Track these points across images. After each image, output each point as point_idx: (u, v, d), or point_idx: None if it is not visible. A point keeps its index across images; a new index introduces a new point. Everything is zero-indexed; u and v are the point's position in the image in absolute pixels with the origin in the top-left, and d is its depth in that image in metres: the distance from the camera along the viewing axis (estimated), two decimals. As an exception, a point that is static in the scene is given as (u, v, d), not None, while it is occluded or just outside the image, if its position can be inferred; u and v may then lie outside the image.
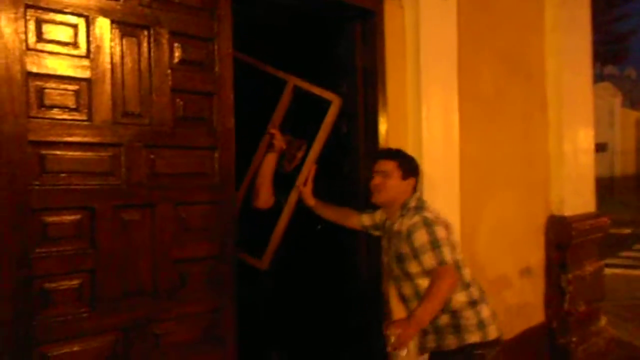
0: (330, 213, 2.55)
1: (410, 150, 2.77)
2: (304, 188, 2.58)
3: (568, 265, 3.69)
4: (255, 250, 2.63)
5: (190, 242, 1.97)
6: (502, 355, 3.33)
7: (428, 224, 1.98)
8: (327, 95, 2.64)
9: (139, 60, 1.83)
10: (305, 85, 2.70)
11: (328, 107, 2.62)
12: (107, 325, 1.78)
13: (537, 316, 3.64)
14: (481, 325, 2.03)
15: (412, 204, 2.13)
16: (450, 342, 2.01)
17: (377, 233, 2.41)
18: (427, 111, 2.77)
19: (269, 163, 2.61)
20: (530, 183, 3.61)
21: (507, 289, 3.40)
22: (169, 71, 1.90)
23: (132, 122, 1.82)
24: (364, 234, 2.54)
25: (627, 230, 11.03)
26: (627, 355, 3.94)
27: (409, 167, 2.19)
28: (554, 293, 3.70)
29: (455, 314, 2.02)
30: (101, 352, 1.76)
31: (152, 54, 1.86)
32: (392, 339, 1.71)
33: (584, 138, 3.95)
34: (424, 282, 2.00)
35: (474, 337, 2.01)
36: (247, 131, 2.76)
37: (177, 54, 1.93)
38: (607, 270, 4.14)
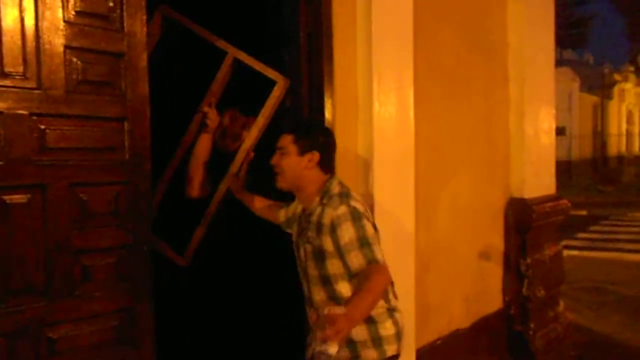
0: (258, 206, 2.19)
1: (360, 129, 2.53)
2: (236, 177, 2.27)
3: (527, 249, 3.54)
4: (180, 244, 2.32)
5: (94, 230, 1.66)
6: (459, 343, 3.20)
7: (356, 217, 1.64)
8: (271, 74, 2.31)
9: (21, 9, 1.49)
10: (247, 59, 2.36)
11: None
12: (-16, 331, 1.47)
13: (495, 302, 3.48)
14: (399, 336, 1.76)
15: (336, 189, 1.75)
16: (370, 356, 1.71)
17: (290, 230, 2.01)
18: (379, 85, 2.51)
19: (202, 145, 2.30)
20: (489, 164, 3.42)
21: (466, 275, 3.22)
22: (62, 24, 1.57)
23: (13, 85, 1.49)
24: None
25: (583, 212, 11.23)
26: (586, 340, 3.86)
27: (309, 139, 1.78)
28: (513, 278, 3.54)
29: (375, 324, 1.72)
30: (-24, 364, 1.46)
31: (38, 2, 1.52)
32: (319, 334, 1.32)
33: (545, 118, 3.78)
34: (342, 288, 1.70)
35: (392, 350, 1.74)
36: (186, 108, 2.45)
37: (73, 2, 1.59)
38: (564, 252, 4.03)
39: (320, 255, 1.71)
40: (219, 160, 2.35)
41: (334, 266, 1.69)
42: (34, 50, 1.52)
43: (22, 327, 1.53)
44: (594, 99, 23.30)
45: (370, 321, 1.71)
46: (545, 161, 3.79)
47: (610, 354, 3.58)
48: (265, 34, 2.62)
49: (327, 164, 1.81)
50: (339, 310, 1.34)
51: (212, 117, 2.31)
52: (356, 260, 1.59)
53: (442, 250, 2.98)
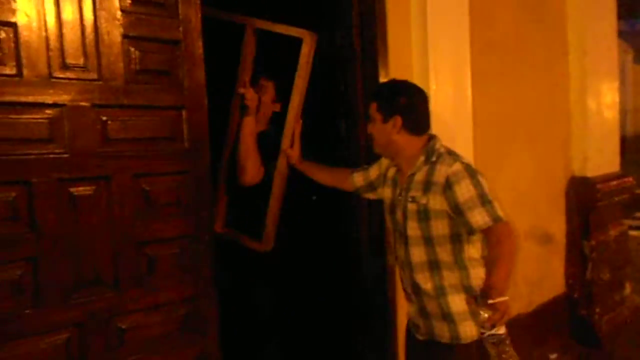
0: (324, 175, 2.16)
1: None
2: (291, 150, 2.21)
3: (591, 230, 3.37)
4: (249, 231, 2.29)
5: (157, 220, 1.66)
6: (522, 329, 3.09)
7: (472, 174, 1.58)
8: (295, 32, 2.18)
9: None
10: (267, 25, 2.24)
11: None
12: (57, 322, 1.49)
13: (558, 286, 3.34)
14: None
15: (442, 149, 1.69)
16: (471, 333, 1.66)
17: (371, 195, 2.00)
18: (435, 62, 2.41)
19: (247, 129, 2.21)
20: (550, 142, 3.26)
21: (528, 258, 3.09)
22: (119, 13, 1.55)
23: (75, 77, 1.49)
24: (367, 201, 2.21)
25: (641, 191, 10.69)
26: (654, 325, 3.66)
27: (390, 105, 1.71)
28: (576, 261, 3.39)
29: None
30: (51, 353, 1.48)
31: (95, -8, 1.51)
32: (486, 316, 1.33)
33: (608, 91, 3.56)
34: (443, 251, 1.64)
35: None
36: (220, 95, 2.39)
37: (128, -9, 1.57)
38: (626, 233, 3.82)
39: (425, 215, 1.64)
40: (268, 142, 2.27)
41: (438, 227, 1.63)
42: (93, 42, 1.51)
43: (92, 318, 1.54)
44: (648, 70, 22.07)
45: (466, 288, 1.66)
46: (609, 137, 3.59)
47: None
48: (317, 17, 2.55)
49: (415, 125, 1.72)
50: (501, 297, 1.35)
51: (250, 97, 2.20)
52: (480, 217, 1.53)
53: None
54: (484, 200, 1.55)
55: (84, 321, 1.53)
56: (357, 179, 2.01)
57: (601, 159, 3.49)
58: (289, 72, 2.24)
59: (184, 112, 1.69)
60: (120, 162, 1.57)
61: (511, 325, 2.85)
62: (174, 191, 1.68)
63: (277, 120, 2.32)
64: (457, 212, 1.58)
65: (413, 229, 1.68)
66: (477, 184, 1.57)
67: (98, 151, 1.53)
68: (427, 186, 1.64)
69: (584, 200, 3.34)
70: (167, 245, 1.68)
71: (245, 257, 2.30)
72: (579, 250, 3.38)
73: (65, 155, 1.48)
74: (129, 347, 1.62)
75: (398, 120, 1.69)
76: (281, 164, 2.23)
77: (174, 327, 1.71)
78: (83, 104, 1.50)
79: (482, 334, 1.35)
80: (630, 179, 3.69)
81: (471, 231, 1.58)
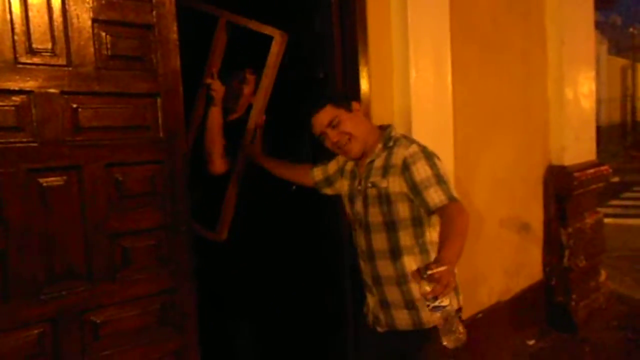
0: (283, 170, 2.14)
1: (397, 97, 2.42)
2: (251, 146, 2.20)
3: (568, 218, 3.41)
4: (212, 222, 2.26)
5: (132, 211, 1.61)
6: (500, 316, 3.12)
7: (428, 155, 1.62)
8: (267, 30, 2.19)
9: (46, -19, 1.42)
10: (240, 20, 2.25)
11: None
12: (29, 317, 1.43)
13: (535, 274, 3.38)
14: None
15: (399, 134, 1.74)
16: (432, 317, 1.66)
17: (329, 191, 1.99)
18: (415, 50, 2.38)
19: (213, 119, 2.22)
20: (528, 131, 3.28)
21: (506, 246, 3.12)
22: (88, -4, 1.49)
23: (43, 63, 1.42)
24: None
25: (615, 179, 10.91)
26: (628, 310, 3.73)
27: (341, 97, 1.78)
28: (553, 248, 3.43)
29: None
30: (23, 350, 1.43)
31: (63, -27, 1.44)
32: (428, 288, 1.29)
33: (585, 81, 3.59)
34: (405, 235, 1.64)
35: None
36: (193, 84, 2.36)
37: (98, -27, 1.51)
38: (601, 221, 3.88)
39: (386, 199, 1.65)
40: (234, 134, 2.27)
41: (399, 211, 1.64)
42: (62, 26, 1.45)
43: (65, 312, 1.49)
44: (622, 61, 22.49)
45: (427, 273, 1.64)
46: (586, 126, 3.62)
47: (655, 323, 3.46)
48: (297, 3, 2.51)
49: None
50: (441, 267, 1.30)
51: (216, 88, 2.20)
52: (436, 195, 1.55)
53: (482, 222, 2.88)
54: (440, 180, 1.57)
55: (56, 316, 1.48)
56: (317, 173, 2.00)
57: (578, 147, 3.53)
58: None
59: (158, 100, 1.64)
60: (92, 152, 1.51)
61: (489, 311, 2.92)
62: (149, 181, 1.63)
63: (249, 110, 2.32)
64: (414, 192, 1.59)
65: (374, 215, 1.69)
66: (433, 165, 1.60)
67: (68, 140, 1.48)
68: (386, 170, 1.66)
69: (561, 189, 3.38)
70: (142, 236, 1.63)
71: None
72: (556, 238, 3.42)
73: (34, 144, 1.42)
74: (104, 342, 1.58)
75: (356, 104, 1.75)
76: (240, 158, 2.23)
77: (151, 320, 1.67)
78: (52, 90, 1.44)
79: (428, 306, 1.31)
80: (606, 167, 3.75)
81: (429, 210, 1.58)
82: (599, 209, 3.82)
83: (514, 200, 3.17)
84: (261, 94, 2.24)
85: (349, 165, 1.86)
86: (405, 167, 1.60)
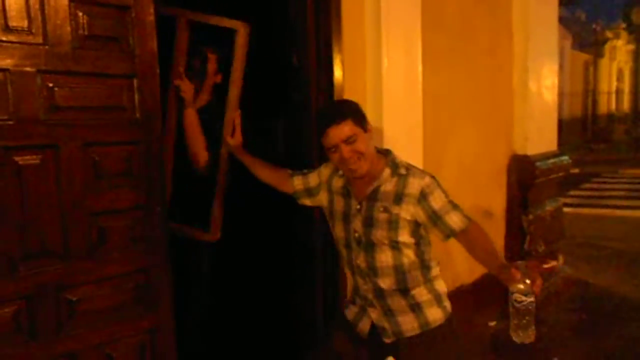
0: (263, 172, 2.06)
1: (369, 85, 2.48)
2: (232, 139, 2.19)
3: (529, 205, 3.57)
4: (198, 222, 2.28)
5: (108, 191, 1.63)
6: (463, 299, 3.25)
7: (439, 185, 1.71)
8: (228, 23, 2.19)
9: (22, -42, 1.41)
10: (200, 17, 2.25)
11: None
12: (4, 295, 1.45)
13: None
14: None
15: (401, 160, 1.77)
16: (435, 314, 1.76)
17: (307, 201, 1.96)
18: (388, 39, 2.45)
19: (189, 120, 2.24)
20: (493, 120, 3.40)
21: (470, 232, 3.23)
22: (65, -25, 1.49)
23: (19, 41, 1.42)
24: None
25: (575, 170, 11.32)
26: (583, 292, 3.94)
27: (362, 116, 1.72)
28: (515, 234, 3.58)
29: (432, 282, 1.79)
30: (-1, 327, 1.44)
31: (39, -49, 1.44)
32: (522, 287, 1.36)
33: (549, 74, 3.74)
34: (410, 253, 1.72)
35: (449, 306, 1.84)
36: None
37: (74, -49, 1.51)
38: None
39: (395, 224, 1.69)
40: (211, 114, 2.29)
41: (404, 234, 1.70)
42: (38, 4, 1.45)
43: (41, 290, 1.51)
44: (585, 56, 23.13)
45: (427, 281, 1.76)
46: (548, 118, 3.78)
47: (607, 305, 3.65)
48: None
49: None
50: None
51: (186, 89, 2.23)
52: (457, 218, 1.66)
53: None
54: (454, 206, 1.69)
55: (32, 293, 1.49)
56: (297, 182, 1.97)
57: (540, 138, 3.68)
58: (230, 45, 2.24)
59: (135, 81, 1.65)
60: (68, 131, 1.52)
61: (454, 295, 3.03)
62: (125, 162, 1.65)
63: (218, 92, 2.34)
64: (434, 218, 1.67)
65: (381, 237, 1.70)
66: (445, 193, 1.70)
67: (44, 119, 1.48)
68: (400, 197, 1.69)
69: (524, 177, 3.52)
70: (118, 216, 1.65)
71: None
72: (518, 224, 3.57)
73: (10, 122, 1.42)
74: (79, 319, 1.60)
75: (371, 125, 1.76)
76: (222, 155, 2.26)
77: (126, 299, 1.70)
78: (28, 69, 1.44)
79: (521, 302, 1.38)
80: (567, 158, 3.92)
81: (452, 233, 1.67)
82: (559, 198, 4.00)
83: (478, 188, 3.30)
84: (233, 89, 2.23)
85: (338, 181, 1.84)
86: (423, 197, 1.67)
